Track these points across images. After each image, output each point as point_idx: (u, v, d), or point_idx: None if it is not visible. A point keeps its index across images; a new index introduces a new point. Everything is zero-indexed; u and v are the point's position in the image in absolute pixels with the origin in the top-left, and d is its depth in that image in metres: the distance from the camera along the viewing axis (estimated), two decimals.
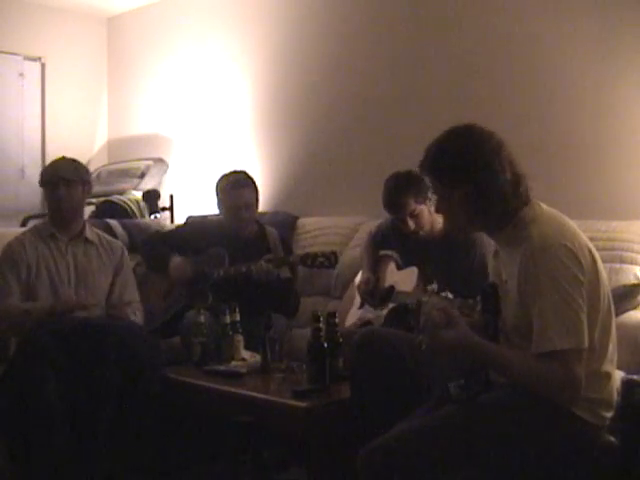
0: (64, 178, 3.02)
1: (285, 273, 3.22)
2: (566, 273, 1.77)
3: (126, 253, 3.25)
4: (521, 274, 1.83)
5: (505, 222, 1.91)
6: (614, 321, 1.92)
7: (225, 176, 3.45)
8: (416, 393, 2.12)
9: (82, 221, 3.18)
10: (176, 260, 3.37)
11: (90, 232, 3.16)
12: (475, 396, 1.87)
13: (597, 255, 1.88)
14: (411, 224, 2.96)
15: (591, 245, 1.88)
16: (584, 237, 1.88)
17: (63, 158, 3.16)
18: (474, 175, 1.88)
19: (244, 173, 3.46)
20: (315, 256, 3.06)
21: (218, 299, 3.12)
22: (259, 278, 3.13)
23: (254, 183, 3.43)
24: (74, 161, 3.14)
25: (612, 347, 1.90)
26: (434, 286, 1.93)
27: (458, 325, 1.80)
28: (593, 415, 1.84)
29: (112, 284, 3.13)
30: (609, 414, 1.87)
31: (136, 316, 3.07)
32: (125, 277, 3.17)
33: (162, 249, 3.45)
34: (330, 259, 3.04)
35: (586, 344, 1.76)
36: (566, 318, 1.75)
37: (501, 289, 1.93)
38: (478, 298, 2.03)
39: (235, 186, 3.37)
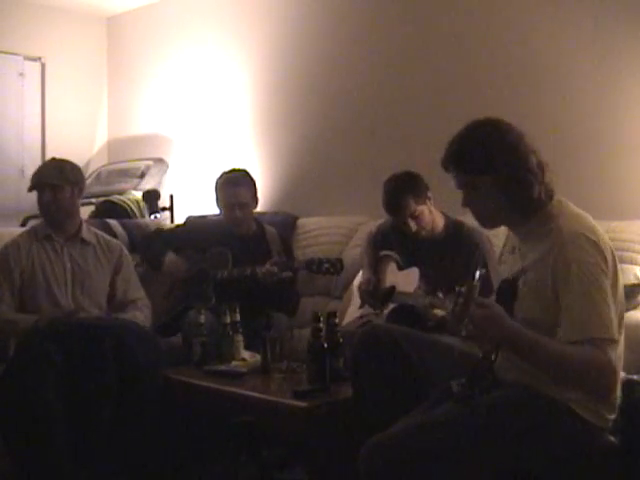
0: (48, 184, 3.01)
1: (287, 272, 3.22)
2: (595, 264, 1.78)
3: (125, 251, 3.24)
4: (548, 264, 1.82)
5: (531, 212, 1.91)
6: (623, 325, 1.91)
7: (224, 173, 3.46)
8: (419, 390, 2.11)
9: (78, 221, 3.16)
10: (170, 257, 3.37)
11: (87, 232, 3.15)
12: (478, 395, 1.87)
13: (616, 255, 1.88)
14: (412, 225, 2.96)
15: (612, 245, 1.88)
16: (606, 237, 1.88)
17: (53, 160, 3.15)
18: (499, 162, 1.88)
19: (243, 171, 3.46)
20: (320, 262, 3.06)
21: (220, 300, 3.13)
22: (264, 281, 3.14)
23: (252, 181, 3.43)
24: (61, 163, 3.10)
25: (621, 349, 1.89)
26: (483, 271, 1.91)
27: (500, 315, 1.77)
28: (596, 417, 1.84)
29: (113, 283, 3.13)
30: (612, 416, 1.87)
31: (143, 313, 3.06)
32: (126, 275, 3.16)
33: (158, 246, 3.46)
34: (336, 266, 3.04)
35: (617, 336, 1.75)
36: (598, 308, 1.75)
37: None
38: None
39: (229, 184, 3.38)
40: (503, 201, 1.91)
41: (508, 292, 1.91)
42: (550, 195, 1.92)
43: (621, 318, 1.89)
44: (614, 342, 1.75)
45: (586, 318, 1.74)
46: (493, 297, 2.02)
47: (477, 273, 1.89)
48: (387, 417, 1.97)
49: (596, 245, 1.81)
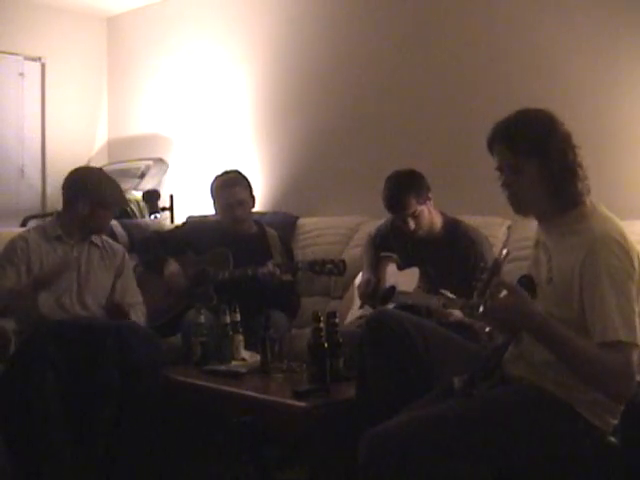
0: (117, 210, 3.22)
1: (287, 276, 3.23)
2: (623, 269, 1.77)
3: (127, 256, 3.25)
4: (577, 263, 1.80)
5: (569, 206, 1.88)
6: None
7: (218, 176, 3.49)
8: (423, 378, 2.10)
9: None
10: (171, 267, 3.37)
11: (95, 236, 3.17)
12: (479, 392, 1.87)
13: None
14: (412, 224, 2.95)
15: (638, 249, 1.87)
16: (634, 240, 1.86)
17: (114, 180, 3.25)
18: (551, 147, 1.85)
19: (236, 172, 3.50)
20: (324, 263, 3.06)
21: (221, 300, 3.13)
22: (265, 280, 3.14)
23: (246, 180, 3.47)
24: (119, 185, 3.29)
25: None
26: (506, 250, 1.89)
27: (527, 300, 1.76)
28: (599, 419, 1.83)
29: (113, 287, 3.13)
30: (615, 421, 1.86)
31: (139, 318, 3.07)
32: (126, 280, 3.17)
33: (158, 250, 3.47)
34: (339, 267, 3.04)
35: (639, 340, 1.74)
36: (626, 312, 1.74)
37: (538, 279, 1.91)
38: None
39: (226, 185, 3.42)
40: (545, 189, 1.87)
41: (528, 289, 1.87)
42: (587, 194, 1.90)
43: None
44: (638, 347, 1.73)
45: (613, 321, 1.73)
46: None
47: (504, 250, 1.86)
48: (390, 404, 1.96)
49: (625, 249, 1.79)
